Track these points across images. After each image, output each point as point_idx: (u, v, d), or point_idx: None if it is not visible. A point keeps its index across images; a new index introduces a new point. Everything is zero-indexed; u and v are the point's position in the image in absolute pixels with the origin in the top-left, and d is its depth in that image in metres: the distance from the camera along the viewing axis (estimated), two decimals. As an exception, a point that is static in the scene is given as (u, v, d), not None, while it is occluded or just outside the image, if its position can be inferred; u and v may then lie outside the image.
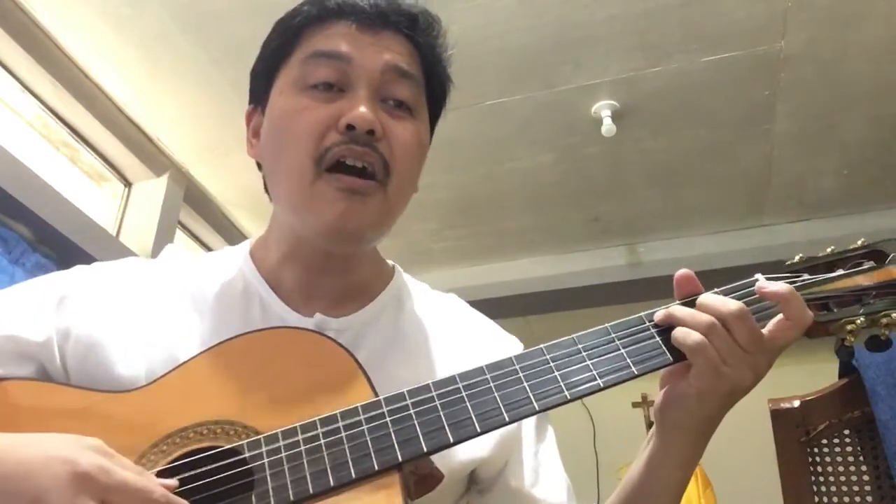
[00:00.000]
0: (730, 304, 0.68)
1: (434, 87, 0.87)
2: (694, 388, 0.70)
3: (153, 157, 2.46)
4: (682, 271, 0.74)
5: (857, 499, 1.32)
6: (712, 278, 0.75)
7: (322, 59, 0.79)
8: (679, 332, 0.69)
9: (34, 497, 0.55)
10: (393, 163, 0.79)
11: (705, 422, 0.73)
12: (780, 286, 0.70)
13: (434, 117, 0.90)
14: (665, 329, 0.71)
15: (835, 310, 0.73)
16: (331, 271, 0.83)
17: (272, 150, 0.82)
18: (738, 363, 0.68)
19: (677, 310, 0.71)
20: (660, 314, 0.72)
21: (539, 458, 0.85)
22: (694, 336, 0.67)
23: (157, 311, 0.80)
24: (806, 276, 0.75)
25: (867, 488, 1.32)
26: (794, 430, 1.36)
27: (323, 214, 0.76)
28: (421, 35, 0.84)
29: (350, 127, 0.76)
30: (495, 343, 0.90)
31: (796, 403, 1.37)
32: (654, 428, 0.77)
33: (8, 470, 0.56)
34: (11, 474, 0.56)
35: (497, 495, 0.83)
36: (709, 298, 0.70)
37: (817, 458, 1.35)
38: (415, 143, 0.82)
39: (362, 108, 0.76)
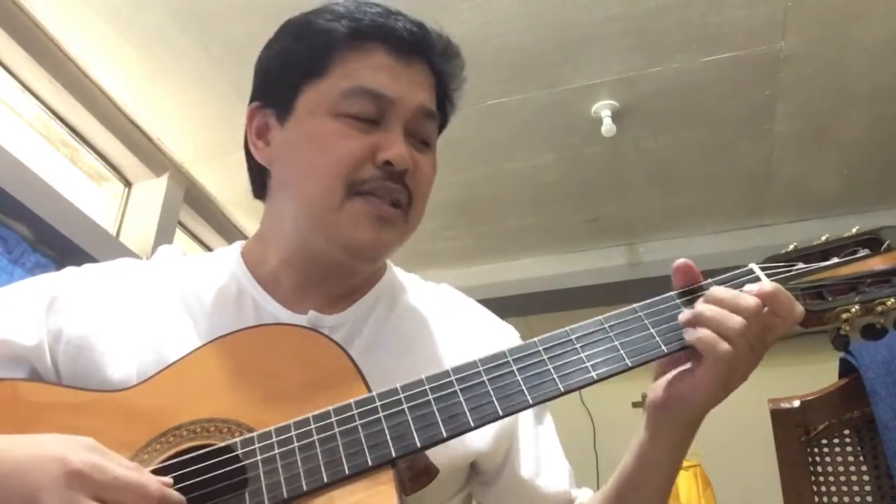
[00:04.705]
0: (748, 300, 0.67)
1: (441, 112, 0.89)
2: (701, 385, 0.68)
3: (153, 157, 2.46)
4: (680, 261, 0.73)
5: (857, 499, 1.31)
6: (712, 279, 0.74)
7: (367, 96, 0.80)
8: (705, 335, 0.66)
9: (28, 496, 0.55)
10: (416, 195, 0.82)
11: (699, 415, 0.72)
12: (764, 286, 0.69)
13: None
14: (659, 321, 0.70)
15: (829, 298, 0.72)
16: (332, 276, 0.83)
17: (297, 165, 0.82)
18: (744, 359, 0.67)
19: (707, 309, 0.68)
20: (686, 317, 0.69)
21: (539, 445, 0.86)
22: (722, 343, 0.66)
23: (149, 313, 0.80)
24: (800, 265, 0.74)
25: (867, 488, 1.31)
26: (794, 430, 1.35)
27: (352, 236, 0.78)
28: (443, 66, 0.86)
29: (388, 163, 0.78)
30: (490, 330, 0.91)
31: (796, 403, 1.36)
32: (644, 420, 0.76)
33: (2, 470, 0.56)
34: (5, 474, 0.56)
35: (503, 486, 0.83)
36: (743, 296, 0.68)
37: (817, 458, 1.34)
38: (433, 175, 0.86)
39: (401, 149, 0.79)
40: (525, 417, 0.86)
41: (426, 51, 0.84)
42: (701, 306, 0.68)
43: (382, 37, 0.82)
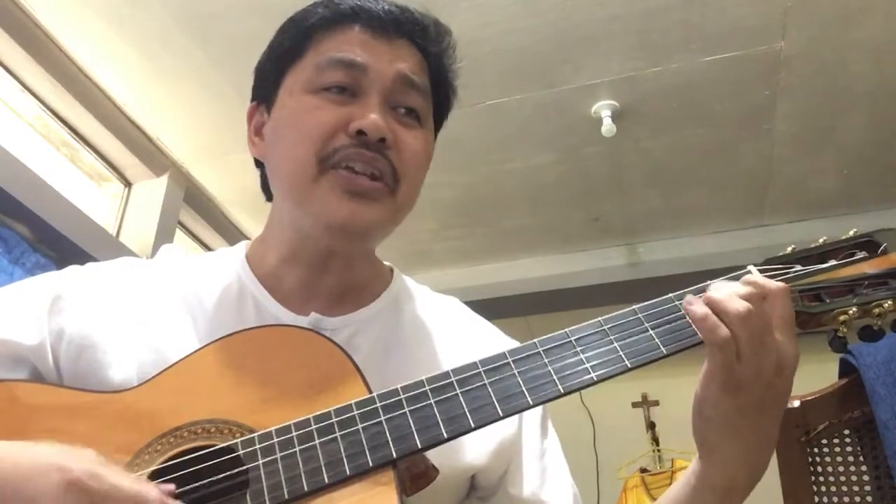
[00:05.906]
0: (740, 290, 0.67)
1: (440, 97, 0.88)
2: (706, 376, 0.68)
3: (153, 157, 2.46)
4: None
5: (857, 499, 1.31)
6: (712, 279, 0.74)
7: (338, 65, 0.79)
8: (706, 316, 0.66)
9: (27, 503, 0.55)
10: (402, 171, 0.79)
11: (715, 418, 0.70)
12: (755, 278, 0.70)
13: (437, 126, 0.90)
14: (658, 322, 0.70)
15: (827, 300, 0.72)
16: (332, 270, 0.83)
17: (277, 146, 0.82)
18: (750, 357, 0.66)
19: (714, 293, 0.68)
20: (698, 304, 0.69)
21: (545, 461, 0.85)
22: (721, 328, 0.65)
23: (151, 312, 0.80)
24: (798, 267, 0.74)
25: (867, 488, 1.31)
26: (794, 430, 1.35)
27: (329, 213, 0.76)
28: (432, 45, 0.85)
29: (361, 133, 0.76)
30: (496, 347, 0.90)
31: (796, 403, 1.36)
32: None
33: (3, 476, 0.56)
34: (6, 481, 0.56)
35: (499, 502, 0.82)
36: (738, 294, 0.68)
37: (817, 458, 1.34)
38: (423, 151, 0.82)
39: (374, 116, 0.77)
40: (530, 434, 0.85)
41: (409, 31, 0.83)
42: (710, 291, 0.69)
43: (359, 17, 0.82)
